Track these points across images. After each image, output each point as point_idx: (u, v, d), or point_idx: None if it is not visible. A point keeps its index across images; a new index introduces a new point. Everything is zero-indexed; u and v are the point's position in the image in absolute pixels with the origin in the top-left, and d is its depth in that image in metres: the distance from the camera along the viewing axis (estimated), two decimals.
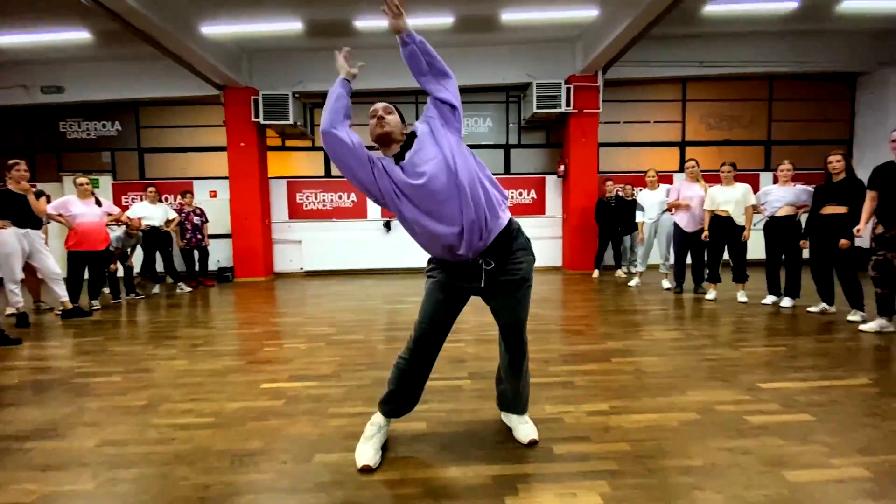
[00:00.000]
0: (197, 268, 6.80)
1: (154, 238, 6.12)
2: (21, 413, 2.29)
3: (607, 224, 6.97)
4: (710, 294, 5.04)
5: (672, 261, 5.67)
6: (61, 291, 4.57)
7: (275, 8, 5.71)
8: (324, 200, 8.00)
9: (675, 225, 5.43)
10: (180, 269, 6.53)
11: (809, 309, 4.28)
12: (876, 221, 3.48)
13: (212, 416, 2.21)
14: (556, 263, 8.11)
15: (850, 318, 3.86)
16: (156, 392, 2.55)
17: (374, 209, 8.00)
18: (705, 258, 5.27)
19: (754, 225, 4.88)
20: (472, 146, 7.90)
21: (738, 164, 5.04)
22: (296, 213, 8.01)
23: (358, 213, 8.04)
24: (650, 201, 5.85)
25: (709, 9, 5.98)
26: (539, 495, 1.52)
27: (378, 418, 1.84)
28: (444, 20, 5.79)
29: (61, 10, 5.43)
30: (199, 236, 6.69)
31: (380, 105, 1.75)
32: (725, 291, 5.13)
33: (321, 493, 1.55)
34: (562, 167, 7.70)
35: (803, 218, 4.46)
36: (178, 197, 6.87)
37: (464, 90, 6.98)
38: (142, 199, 6.31)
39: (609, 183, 7.04)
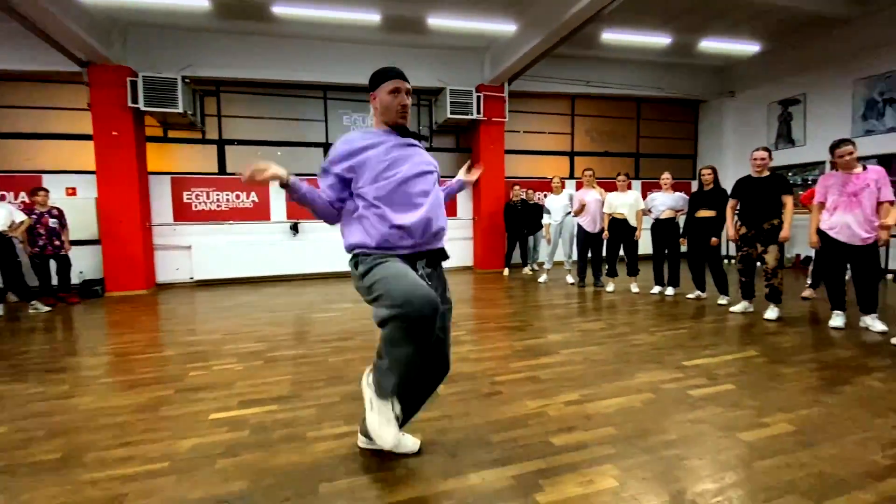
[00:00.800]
0: (55, 281, 5.54)
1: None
2: None
3: (514, 226, 7.47)
4: (609, 287, 5.75)
5: (575, 258, 6.32)
6: None
7: None
8: (218, 200, 7.14)
9: (578, 226, 6.06)
10: (32, 284, 5.26)
11: (688, 296, 5.15)
12: (739, 223, 4.34)
13: (165, 461, 1.86)
14: (468, 263, 8.42)
15: (719, 301, 4.75)
16: (69, 440, 2.05)
17: (278, 210, 7.39)
18: (604, 255, 5.99)
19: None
20: None
21: (613, 173, 5.84)
22: (183, 214, 7.00)
23: (259, 214, 7.35)
24: (555, 205, 6.44)
25: (604, 36, 6.78)
26: (562, 488, 1.61)
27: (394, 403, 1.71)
28: (372, 17, 5.64)
29: None
30: (57, 243, 5.46)
31: (405, 85, 1.75)
32: (620, 283, 5.89)
33: None
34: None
35: (682, 220, 5.35)
36: (27, 195, 5.52)
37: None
38: None
39: (515, 187, 7.55)
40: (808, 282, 5.14)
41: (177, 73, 6.11)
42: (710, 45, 7.25)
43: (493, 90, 7.58)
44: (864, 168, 3.60)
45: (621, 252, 5.80)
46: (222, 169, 7.21)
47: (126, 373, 2.98)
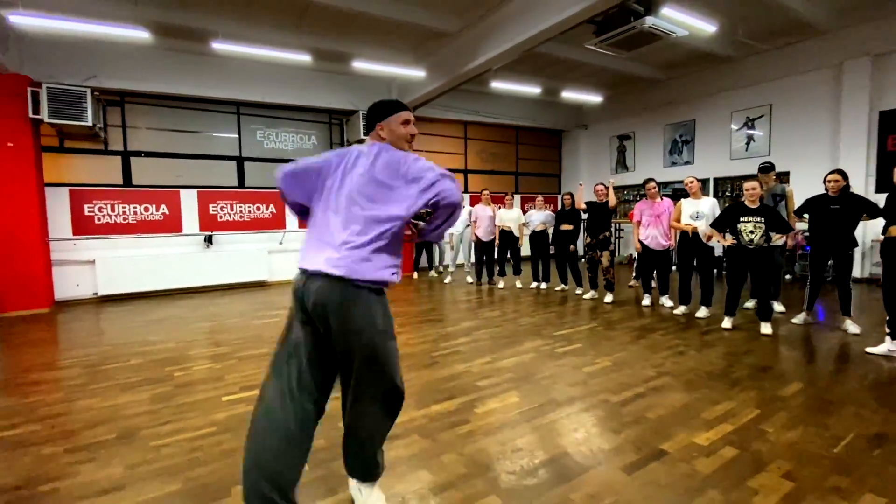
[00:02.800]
0: None
1: None
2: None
3: None
4: (500, 284, 7.22)
5: (473, 261, 7.68)
6: None
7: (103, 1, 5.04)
8: (124, 213, 6.97)
9: (476, 235, 7.42)
10: None
11: (556, 288, 6.81)
12: (586, 234, 6.05)
13: (212, 426, 2.55)
14: None
15: (576, 291, 6.46)
16: (113, 426, 2.58)
17: (190, 222, 7.45)
18: (495, 259, 7.43)
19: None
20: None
21: (497, 188, 7.33)
22: (84, 228, 6.71)
23: (171, 226, 7.33)
24: (463, 217, 7.74)
25: (492, 84, 8.27)
26: (488, 404, 2.75)
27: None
28: (303, 58, 6.32)
29: None
30: None
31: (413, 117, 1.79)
32: (507, 281, 7.39)
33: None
34: None
35: (550, 231, 7.00)
36: None
37: (291, 107, 7.47)
38: None
39: None
40: (633, 275, 7.19)
41: (78, 82, 5.96)
42: (568, 94, 9.25)
43: None
44: (662, 198, 5.47)
45: (508, 256, 7.31)
46: (128, 181, 7.05)
47: (110, 379, 3.37)
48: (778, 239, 4.27)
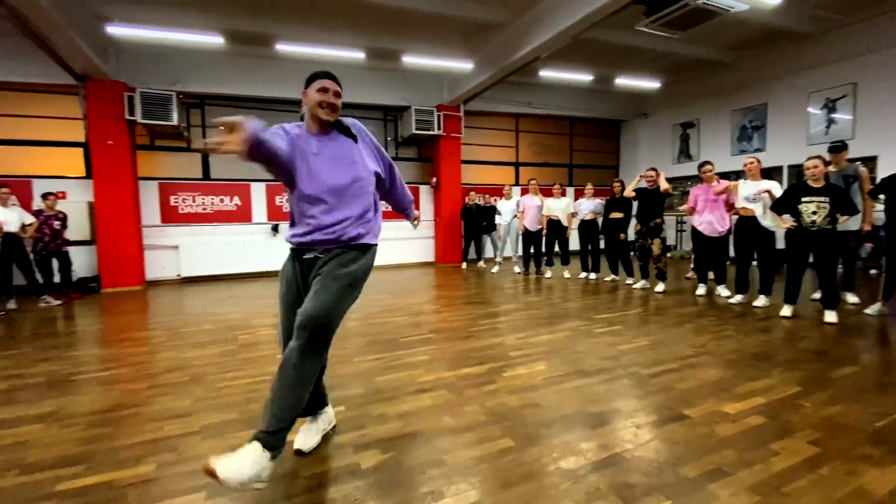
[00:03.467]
0: (58, 278, 6.06)
1: (10, 245, 5.34)
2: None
3: (470, 226, 8.74)
4: (547, 273, 7.18)
5: (521, 252, 7.70)
6: None
7: (176, 9, 5.74)
8: (203, 204, 7.80)
9: (524, 226, 7.43)
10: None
11: (606, 279, 6.66)
12: (636, 222, 5.87)
13: (267, 375, 2.87)
14: (430, 259, 9.59)
15: (627, 282, 6.28)
16: (185, 372, 2.99)
17: (259, 212, 8.16)
18: (543, 249, 7.39)
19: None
20: None
21: (550, 180, 7.29)
22: (170, 216, 7.60)
23: (242, 216, 8.08)
24: (506, 208, 7.81)
25: (541, 73, 8.23)
26: (516, 371, 2.84)
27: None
28: (357, 55, 6.72)
29: None
30: (59, 241, 5.99)
31: (333, 86, 1.79)
32: (555, 271, 7.33)
33: None
34: (434, 179, 9.23)
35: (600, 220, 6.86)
36: (42, 199, 5.99)
37: (348, 105, 7.89)
38: None
39: (471, 193, 8.82)
40: (692, 266, 6.84)
41: (166, 87, 6.77)
42: (624, 82, 8.95)
43: (451, 109, 8.82)
44: (718, 181, 5.20)
45: (556, 246, 7.25)
46: (206, 175, 7.88)
47: (186, 339, 3.86)
48: (844, 221, 3.92)
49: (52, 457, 1.92)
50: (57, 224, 5.95)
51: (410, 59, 6.87)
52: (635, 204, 5.95)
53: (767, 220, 4.47)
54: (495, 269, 8.03)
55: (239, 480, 1.40)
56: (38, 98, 6.83)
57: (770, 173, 7.23)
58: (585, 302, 5.07)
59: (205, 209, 7.82)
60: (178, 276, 7.61)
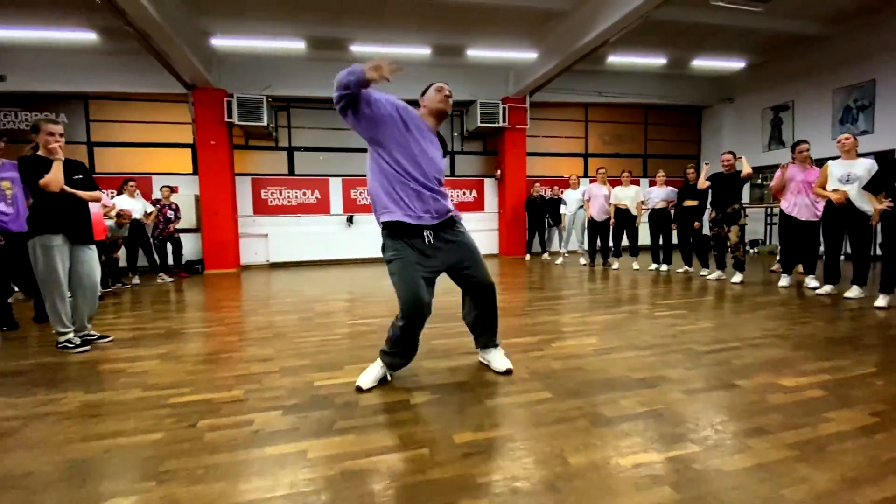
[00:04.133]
0: (171, 260, 7.08)
1: (135, 230, 6.37)
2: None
3: (534, 218, 8.70)
4: (615, 265, 6.98)
5: (586, 243, 7.55)
6: None
7: (266, 20, 6.46)
8: (288, 197, 8.63)
9: (589, 216, 7.28)
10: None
11: (678, 270, 6.33)
12: (711, 209, 5.53)
13: (366, 325, 3.22)
14: (494, 251, 9.71)
15: (701, 273, 5.93)
16: (273, 330, 3.44)
17: (337, 205, 8.84)
18: (610, 240, 7.19)
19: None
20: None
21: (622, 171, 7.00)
22: (261, 208, 8.51)
23: (321, 208, 8.80)
24: (572, 198, 7.70)
25: (609, 59, 8.01)
26: (566, 342, 2.91)
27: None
28: (424, 51, 7.03)
29: (61, 6, 5.54)
30: (172, 228, 6.99)
31: (447, 87, 2.23)
32: (623, 263, 7.10)
33: None
34: (499, 172, 9.34)
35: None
36: (159, 191, 7.09)
37: (415, 104, 8.21)
38: (120, 193, 6.46)
39: (537, 185, 8.79)
40: (777, 258, 6.26)
41: (257, 92, 7.60)
42: (703, 64, 8.38)
43: (517, 101, 8.87)
44: (811, 165, 4.77)
45: (624, 236, 7.02)
46: (291, 171, 8.70)
47: (272, 307, 4.39)
48: None
49: (166, 382, 2.37)
50: (170, 213, 6.96)
51: (475, 53, 7.05)
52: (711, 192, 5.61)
53: (863, 203, 4.02)
54: (560, 260, 7.95)
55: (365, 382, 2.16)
56: (157, 106, 8.01)
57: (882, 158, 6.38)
58: (651, 289, 4.91)
59: (290, 202, 8.64)
60: (267, 261, 8.49)
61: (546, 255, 8.90)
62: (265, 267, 8.43)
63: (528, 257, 8.85)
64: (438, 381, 2.26)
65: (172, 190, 7.10)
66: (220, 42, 6.27)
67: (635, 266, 6.80)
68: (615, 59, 7.89)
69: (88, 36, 6.44)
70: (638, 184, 6.92)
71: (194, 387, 2.28)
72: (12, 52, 6.92)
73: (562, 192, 8.33)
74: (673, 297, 4.46)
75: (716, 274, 5.58)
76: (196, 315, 4.19)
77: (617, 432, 1.68)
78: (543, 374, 2.33)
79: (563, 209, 7.83)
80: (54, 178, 2.87)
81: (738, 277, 5.22)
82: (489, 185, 9.71)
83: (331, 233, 8.75)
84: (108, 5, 4.80)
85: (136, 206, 6.39)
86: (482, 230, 9.52)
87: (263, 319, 3.86)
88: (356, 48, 6.91)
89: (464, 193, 9.59)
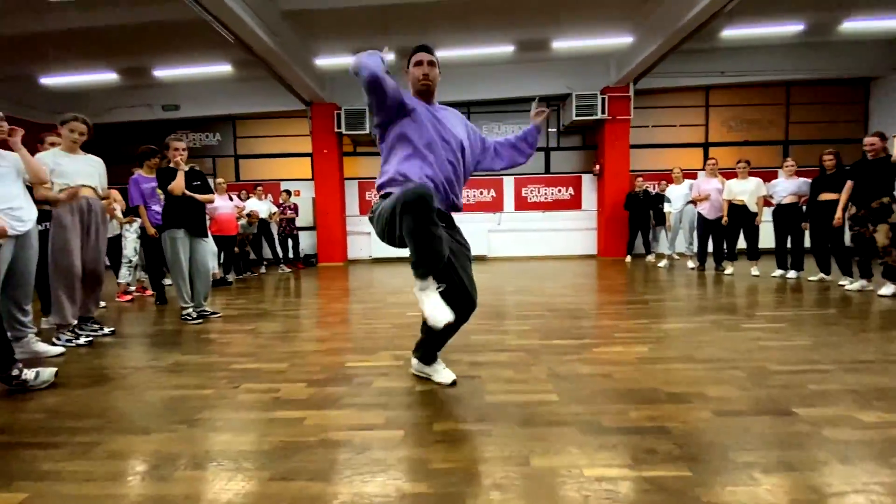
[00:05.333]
0: (291, 254, 8.22)
1: (262, 228, 7.54)
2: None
3: (636, 215, 7.98)
4: (729, 270, 6.06)
5: (696, 244, 6.69)
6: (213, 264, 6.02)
7: (363, 38, 7.12)
8: None
9: (698, 214, 6.45)
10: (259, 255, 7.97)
11: (810, 278, 5.26)
12: (851, 204, 4.48)
13: (411, 319, 3.45)
14: (592, 251, 9.16)
15: (840, 282, 4.85)
16: (362, 308, 3.83)
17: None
18: (724, 240, 6.27)
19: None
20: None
21: (757, 162, 5.99)
22: (365, 208, 9.34)
23: None
24: (676, 194, 6.90)
25: (725, 32, 6.98)
26: (629, 348, 2.69)
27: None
28: (506, 49, 7.00)
29: (207, 47, 6.88)
30: (293, 226, 8.08)
31: (426, 56, 1.96)
32: (740, 268, 6.12)
33: None
34: (597, 167, 8.79)
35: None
36: (281, 195, 8.31)
37: (511, 101, 8.20)
38: (249, 197, 7.70)
39: (639, 180, 8.06)
40: None
41: (363, 104, 8.34)
42: (855, 26, 6.77)
43: (618, 91, 8.24)
44: None
45: (741, 236, 6.06)
46: None
47: (360, 296, 4.85)
48: None
49: (237, 351, 2.83)
50: (290, 213, 8.06)
51: (561, 44, 6.75)
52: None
53: None
54: (663, 263, 7.18)
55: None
56: (283, 122, 9.34)
57: None
58: (758, 299, 4.19)
59: None
60: (370, 256, 9.28)
61: (650, 258, 8.11)
62: (368, 262, 9.23)
63: (628, 259, 8.17)
64: (454, 372, 2.30)
65: (292, 193, 8.20)
66: (323, 62, 7.03)
67: (754, 272, 5.82)
68: (731, 33, 6.82)
69: (226, 68, 7.76)
70: (776, 176, 5.89)
71: (255, 357, 2.69)
72: (181, 87, 8.74)
73: (666, 186, 7.50)
74: (781, 308, 3.75)
75: (858, 284, 4.51)
76: (291, 300, 4.84)
77: (603, 442, 1.55)
78: (563, 377, 2.21)
79: (666, 207, 7.05)
80: (177, 185, 3.61)
81: (888, 289, 4.15)
82: (587, 182, 9.20)
83: None
84: (239, 42, 5.80)
85: (262, 207, 7.56)
86: (579, 229, 9.08)
87: (340, 306, 4.30)
88: (440, 53, 7.16)
89: (559, 191, 9.23)
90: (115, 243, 5.01)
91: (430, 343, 2.16)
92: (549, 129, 9.20)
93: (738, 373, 2.21)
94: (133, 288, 5.29)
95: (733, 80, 8.40)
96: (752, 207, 5.81)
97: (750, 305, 3.88)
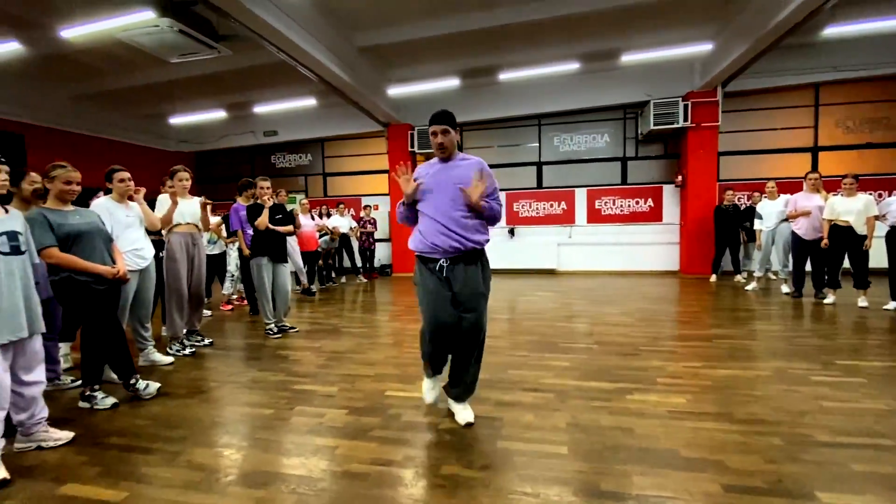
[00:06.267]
0: (367, 264, 8.88)
1: (342, 242, 8.27)
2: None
3: (724, 230, 7.31)
4: (829, 298, 5.36)
5: (791, 267, 5.98)
6: (302, 277, 6.77)
7: (431, 66, 7.47)
8: None
9: (793, 233, 5.77)
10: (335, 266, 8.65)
11: None
12: None
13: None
14: (674, 268, 8.57)
15: None
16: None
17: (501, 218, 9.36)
18: (824, 265, 5.54)
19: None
20: (589, 160, 8.77)
21: (881, 166, 5.13)
22: None
23: None
24: (769, 210, 6.22)
25: (829, 30, 6.14)
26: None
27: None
28: (571, 66, 6.88)
29: (296, 82, 7.76)
30: (372, 239, 8.72)
31: (438, 128, 2.30)
32: (844, 296, 5.37)
33: None
34: (679, 177, 8.21)
35: None
36: (362, 210, 9.04)
37: (583, 111, 8.00)
38: (331, 213, 8.46)
39: (729, 192, 7.37)
40: None
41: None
42: None
43: (704, 95, 7.62)
44: None
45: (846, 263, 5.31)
46: None
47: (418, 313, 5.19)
48: None
49: (300, 371, 3.26)
50: (370, 227, 8.70)
51: (636, 56, 6.43)
52: None
53: None
54: (751, 286, 6.52)
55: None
56: (364, 142, 10.08)
57: None
58: (850, 340, 3.71)
59: None
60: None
61: (740, 277, 7.39)
62: None
63: (713, 278, 7.52)
64: (478, 412, 2.46)
65: (372, 208, 8.87)
66: (396, 89, 7.49)
67: (862, 303, 5.08)
68: (836, 31, 5.99)
69: (311, 102, 8.56)
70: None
71: (313, 378, 3.10)
72: (278, 116, 9.84)
73: (759, 198, 6.77)
74: (874, 356, 3.30)
75: None
76: (357, 315, 5.31)
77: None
78: (582, 427, 2.26)
79: (757, 224, 6.38)
80: (262, 221, 4.21)
81: None
82: (669, 193, 8.62)
83: (494, 244, 9.30)
84: (319, 79, 6.47)
85: (343, 223, 8.28)
86: (658, 243, 8.56)
87: (398, 326, 4.65)
88: (504, 75, 7.24)
89: (636, 203, 8.77)
90: (221, 259, 5.90)
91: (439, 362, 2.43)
92: (627, 138, 8.78)
93: (775, 440, 2.08)
94: (235, 296, 6.18)
95: (850, 76, 7.31)
96: (860, 229, 5.08)
97: (834, 350, 3.46)
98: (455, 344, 2.30)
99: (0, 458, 1.93)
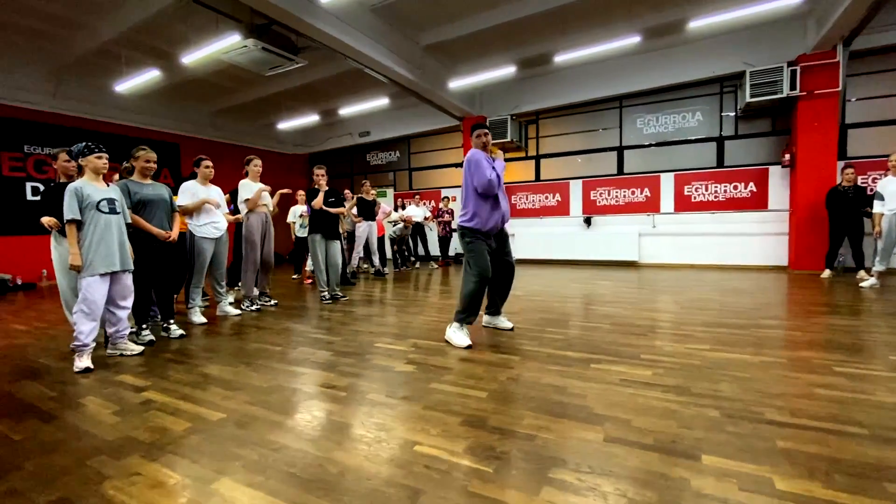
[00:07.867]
0: (443, 252, 9.38)
1: (416, 230, 8.89)
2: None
3: (841, 217, 6.10)
4: None
5: None
6: (375, 259, 7.57)
7: (494, 57, 7.61)
8: (533, 201, 9.54)
9: None
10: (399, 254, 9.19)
11: None
12: None
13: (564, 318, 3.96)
14: (781, 262, 7.38)
15: None
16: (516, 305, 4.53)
17: (576, 207, 9.06)
18: None
19: None
20: (679, 142, 8.01)
21: None
22: (511, 212, 9.80)
23: (562, 211, 9.24)
24: (891, 189, 5.08)
25: None
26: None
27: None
28: (632, 40, 6.37)
29: (368, 85, 8.60)
30: (448, 229, 9.20)
31: (483, 131, 3.28)
32: None
33: None
34: (787, 156, 7.04)
35: None
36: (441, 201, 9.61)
37: (666, 89, 7.40)
38: (409, 203, 9.13)
39: (849, 171, 6.13)
40: None
41: (508, 112, 8.81)
42: None
43: (818, 58, 6.43)
44: None
45: None
46: (537, 177, 9.56)
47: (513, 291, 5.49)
48: None
49: (331, 342, 3.82)
50: (447, 217, 9.19)
51: (699, 23, 5.71)
52: None
53: None
54: (868, 282, 5.37)
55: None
56: (445, 137, 10.59)
57: None
58: None
59: (533, 205, 9.54)
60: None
61: (862, 273, 6.08)
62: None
63: (826, 274, 6.31)
64: (435, 363, 2.69)
65: (450, 199, 9.35)
66: (463, 81, 7.72)
67: None
68: None
69: (384, 101, 9.26)
70: None
71: (329, 331, 3.62)
72: (371, 116, 10.90)
73: (876, 182, 5.51)
74: None
75: None
76: (408, 293, 5.79)
77: (453, 430, 1.78)
78: (519, 381, 2.36)
79: (876, 207, 5.24)
80: (317, 201, 4.92)
81: None
82: (776, 176, 7.43)
83: (570, 234, 9.06)
84: (390, 80, 7.12)
85: (418, 212, 8.90)
86: (763, 234, 7.47)
87: (434, 301, 5.00)
88: (560, 57, 6.97)
89: (735, 188, 7.73)
90: (303, 242, 6.90)
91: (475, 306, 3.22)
92: (725, 115, 7.80)
93: (712, 412, 1.95)
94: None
95: None
96: None
97: None
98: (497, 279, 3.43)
99: (90, 353, 2.80)
